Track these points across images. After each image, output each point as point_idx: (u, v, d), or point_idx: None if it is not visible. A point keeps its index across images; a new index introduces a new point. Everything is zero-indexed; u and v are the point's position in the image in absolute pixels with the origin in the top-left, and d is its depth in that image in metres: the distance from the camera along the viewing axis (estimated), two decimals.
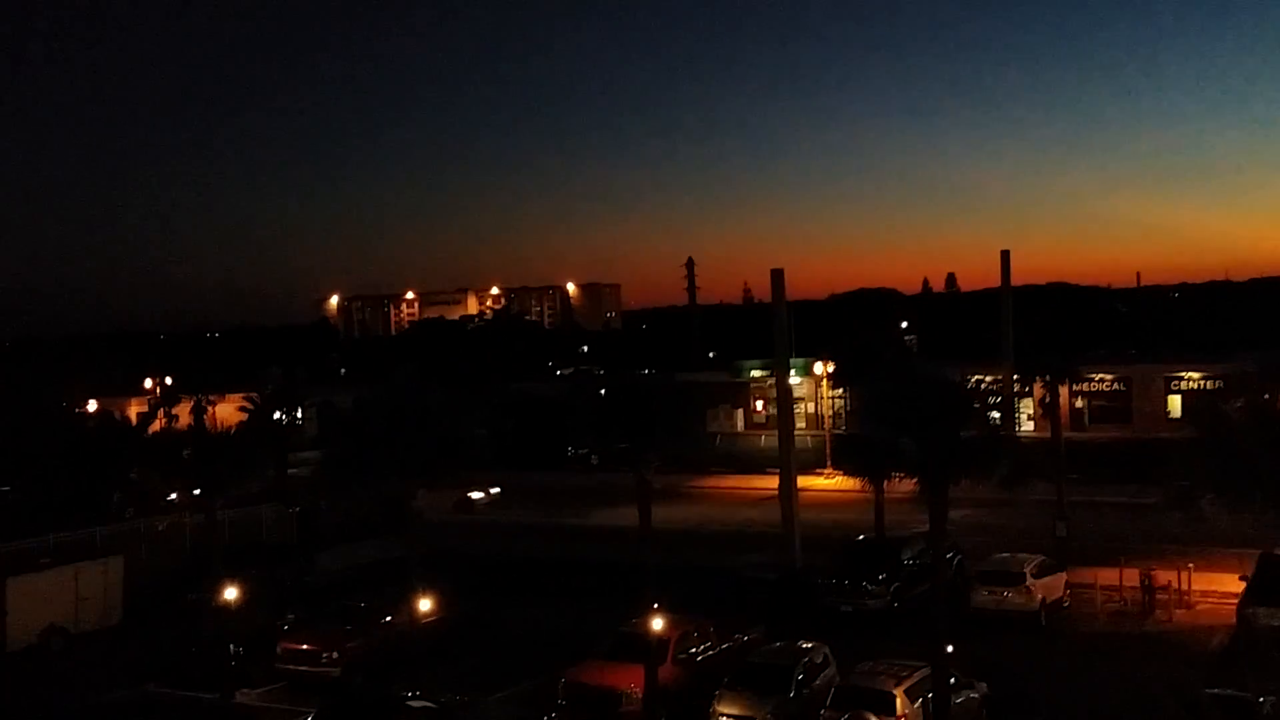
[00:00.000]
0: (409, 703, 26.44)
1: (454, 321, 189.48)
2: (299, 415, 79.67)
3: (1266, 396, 35.96)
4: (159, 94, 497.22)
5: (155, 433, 67.03)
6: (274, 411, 69.52)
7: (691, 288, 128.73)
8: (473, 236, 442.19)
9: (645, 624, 26.75)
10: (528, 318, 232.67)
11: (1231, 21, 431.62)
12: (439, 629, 32.96)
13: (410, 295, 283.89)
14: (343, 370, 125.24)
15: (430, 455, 29.32)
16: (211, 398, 78.90)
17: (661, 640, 27.40)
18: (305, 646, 32.03)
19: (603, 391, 35.56)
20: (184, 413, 76.70)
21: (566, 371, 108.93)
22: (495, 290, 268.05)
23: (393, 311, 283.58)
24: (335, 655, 31.48)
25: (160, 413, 77.97)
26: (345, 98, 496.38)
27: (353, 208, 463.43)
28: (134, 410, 79.09)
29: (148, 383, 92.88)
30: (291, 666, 31.90)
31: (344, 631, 32.42)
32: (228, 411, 62.76)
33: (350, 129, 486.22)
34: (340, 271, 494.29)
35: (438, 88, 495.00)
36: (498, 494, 61.23)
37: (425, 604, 30.43)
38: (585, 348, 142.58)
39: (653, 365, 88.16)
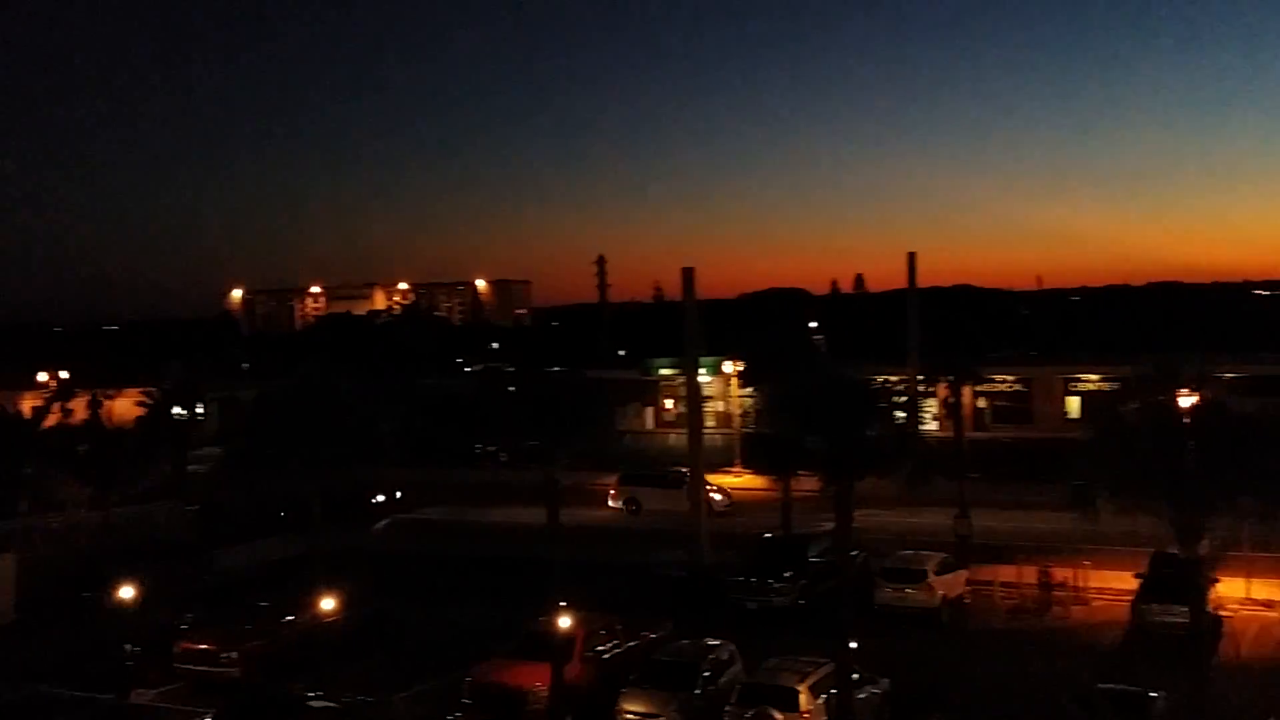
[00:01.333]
0: (310, 703, 26.02)
1: (361, 317, 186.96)
2: (199, 411, 77.96)
3: (1161, 398, 36.90)
4: (55, 76, 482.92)
5: (50, 428, 64.99)
6: (173, 407, 67.88)
7: (602, 285, 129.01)
8: (382, 231, 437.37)
9: (552, 622, 26.64)
10: (437, 314, 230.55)
11: (1133, 27, 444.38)
12: (343, 628, 32.49)
13: (316, 289, 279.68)
14: (245, 365, 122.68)
15: (336, 451, 28.92)
16: (109, 392, 76.71)
17: (568, 638, 27.32)
18: (204, 646, 31.30)
19: (512, 389, 35.39)
20: (80, 408, 74.48)
21: (476, 368, 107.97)
22: (404, 286, 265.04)
23: (297, 306, 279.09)
24: (235, 655, 30.78)
25: (55, 407, 75.61)
26: (249, 88, 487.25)
27: (257, 200, 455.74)
28: (28, 404, 76.57)
29: (42, 376, 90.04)
30: (190, 666, 31.15)
31: (244, 631, 31.72)
32: (125, 407, 60.98)
33: (255, 119, 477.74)
34: (244, 264, 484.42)
35: (344, 80, 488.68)
36: (400, 497, 60.18)
37: (329, 602, 29.97)
38: (495, 344, 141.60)
39: (563, 363, 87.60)
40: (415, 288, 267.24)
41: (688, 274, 43.82)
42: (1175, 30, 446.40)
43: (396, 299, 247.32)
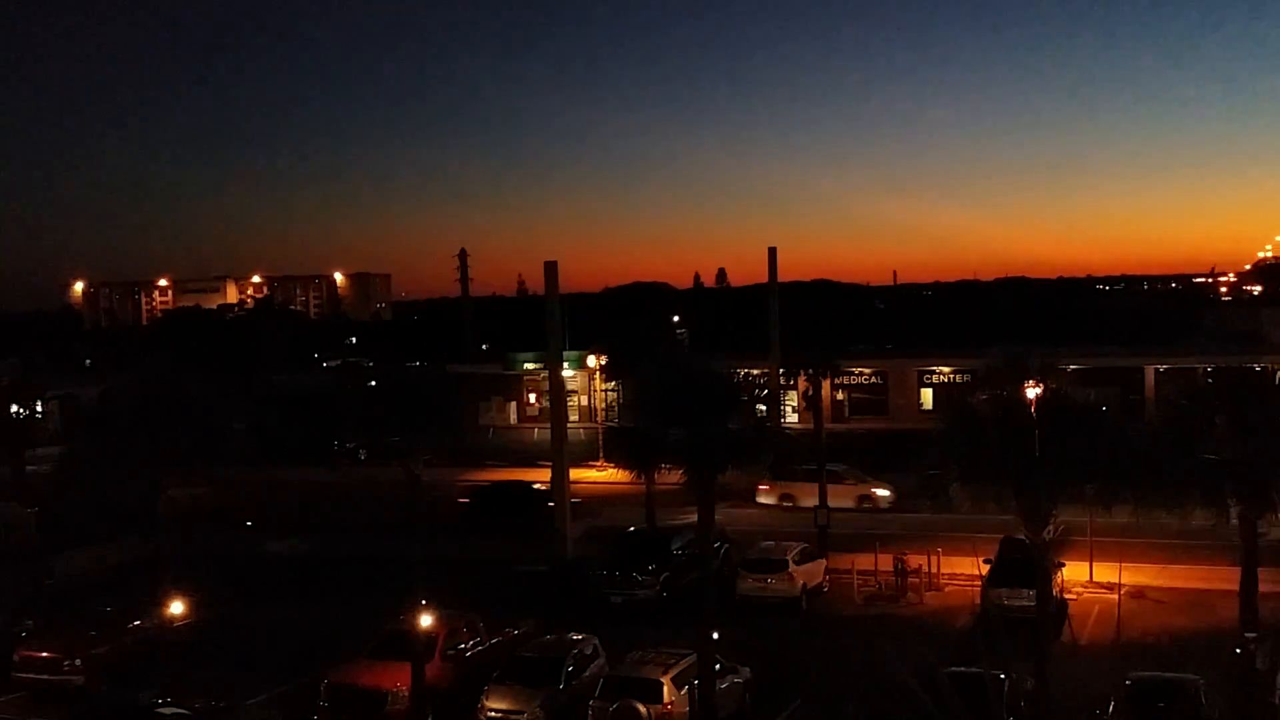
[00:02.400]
0: (159, 710, 25.14)
1: (211, 310, 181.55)
2: (39, 409, 74.80)
3: (1009, 389, 38.11)
4: None
5: None
6: (10, 405, 64.91)
7: (464, 279, 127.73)
8: (233, 223, 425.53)
9: (412, 620, 26.22)
10: (292, 308, 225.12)
11: (982, 26, 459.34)
12: (193, 632, 31.43)
13: (164, 282, 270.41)
14: (88, 361, 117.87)
15: (185, 449, 27.96)
16: None
17: (429, 637, 26.92)
18: (45, 654, 29.94)
19: (372, 383, 34.71)
20: None
21: (333, 363, 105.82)
22: (257, 279, 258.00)
23: (144, 299, 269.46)
24: (78, 662, 29.52)
25: None
26: (93, 73, 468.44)
27: (102, 189, 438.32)
28: None
29: None
30: (30, 676, 29.80)
31: (88, 637, 30.45)
32: None
33: (99, 104, 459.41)
34: (87, 256, 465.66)
35: (194, 66, 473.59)
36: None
37: (178, 606, 28.94)
38: (353, 339, 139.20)
39: (424, 357, 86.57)
40: (269, 281, 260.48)
41: (550, 268, 43.62)
42: (1024, 30, 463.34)
43: (249, 292, 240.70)
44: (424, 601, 26.21)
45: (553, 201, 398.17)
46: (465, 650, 29.70)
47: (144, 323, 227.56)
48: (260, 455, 61.13)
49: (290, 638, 33.95)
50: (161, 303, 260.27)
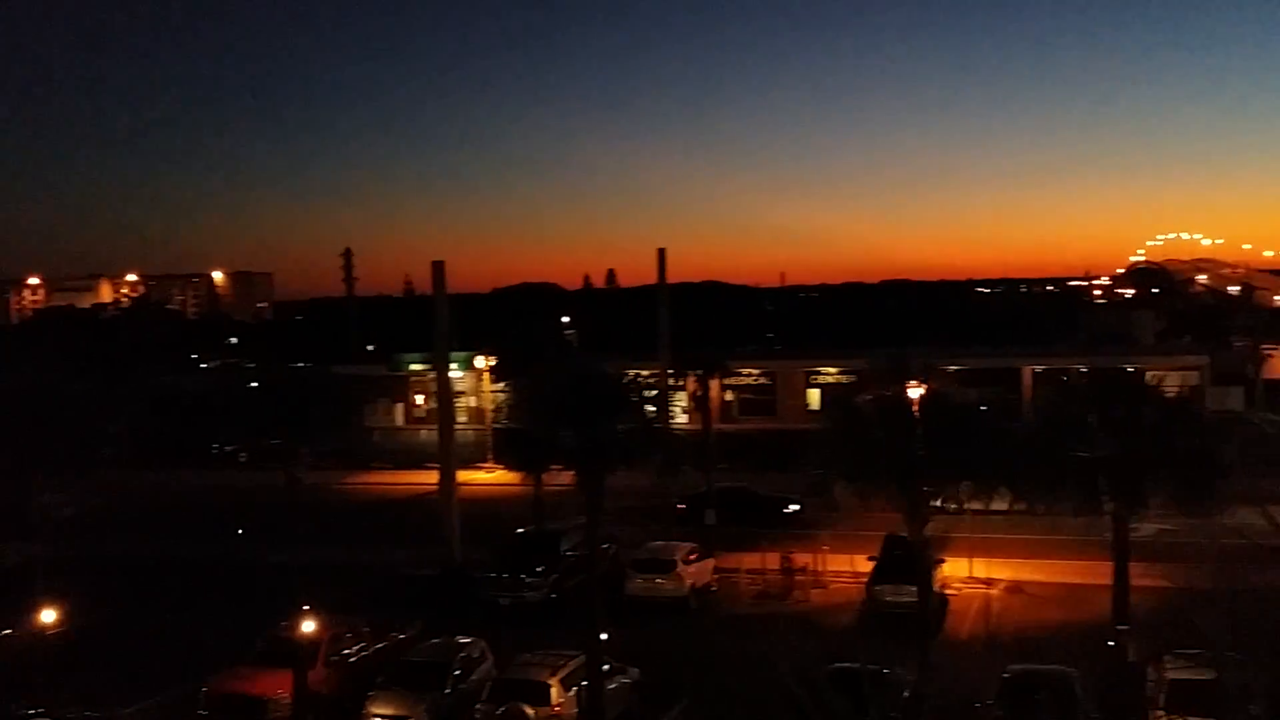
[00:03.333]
0: None
1: (85, 310, 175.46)
2: None
3: (892, 390, 38.79)
4: None
5: None
6: None
7: (349, 278, 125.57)
8: (108, 220, 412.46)
9: (294, 626, 25.68)
10: (170, 307, 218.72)
11: (871, 35, 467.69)
12: (67, 640, 30.26)
13: (34, 281, 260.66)
14: None
15: (58, 452, 27.02)
16: None
17: (312, 642, 26.38)
18: None
19: (252, 385, 33.95)
20: None
21: (214, 365, 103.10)
22: (133, 277, 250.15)
23: (14, 299, 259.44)
24: None
25: None
26: None
27: None
28: None
29: None
30: None
31: None
32: None
33: None
34: None
35: (64, 59, 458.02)
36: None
37: (50, 614, 27.91)
38: (234, 339, 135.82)
39: (308, 358, 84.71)
40: (145, 279, 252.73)
41: (438, 267, 43.08)
42: (907, 38, 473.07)
43: (124, 291, 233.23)
44: (306, 607, 25.69)
45: (440, 201, 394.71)
46: (349, 655, 29.19)
47: (14, 323, 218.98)
48: (137, 459, 59.47)
49: (169, 645, 32.94)
50: (32, 302, 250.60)
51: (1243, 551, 31.58)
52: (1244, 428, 65.15)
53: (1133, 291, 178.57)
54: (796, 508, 46.69)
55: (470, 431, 67.00)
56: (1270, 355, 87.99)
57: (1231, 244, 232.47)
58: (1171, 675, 23.88)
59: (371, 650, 29.84)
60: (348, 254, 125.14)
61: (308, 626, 25.60)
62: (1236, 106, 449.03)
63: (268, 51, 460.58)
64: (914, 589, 28.49)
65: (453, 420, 44.52)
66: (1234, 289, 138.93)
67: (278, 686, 26.20)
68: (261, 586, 35.89)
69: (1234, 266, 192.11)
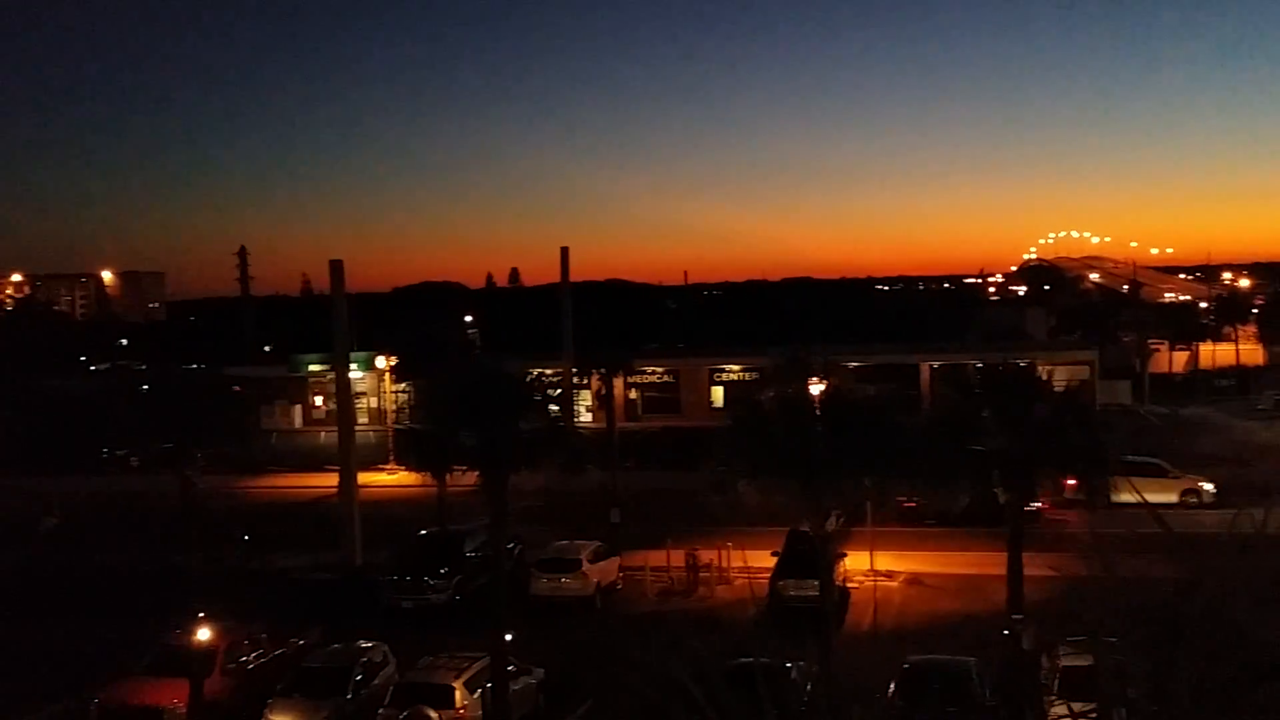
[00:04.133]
0: None
1: None
2: None
3: (793, 387, 39.22)
4: None
5: None
6: None
7: (244, 278, 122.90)
8: None
9: (189, 634, 25.03)
10: (56, 308, 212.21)
11: (776, 34, 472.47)
12: None
13: None
14: None
15: None
16: None
17: (207, 650, 25.75)
18: None
19: (144, 388, 33.04)
20: None
21: (103, 367, 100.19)
22: (17, 277, 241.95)
23: None
24: None
25: None
26: None
27: None
28: None
29: None
30: None
31: None
32: None
33: None
34: None
35: None
36: None
37: None
38: (125, 341, 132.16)
39: (202, 360, 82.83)
40: (30, 279, 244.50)
41: (336, 266, 42.41)
42: (811, 39, 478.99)
43: (9, 292, 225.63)
44: (202, 614, 25.09)
45: (340, 199, 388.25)
46: (247, 663, 28.66)
47: None
48: (23, 464, 57.49)
49: (59, 656, 31.88)
50: None
51: (1126, 541, 32.54)
52: (1131, 420, 67.34)
53: (1025, 289, 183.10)
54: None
55: (371, 433, 66.11)
56: (1156, 350, 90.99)
57: (1119, 242, 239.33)
58: (1064, 662, 24.47)
59: (270, 657, 29.29)
60: (242, 252, 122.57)
61: (203, 634, 24.98)
62: (1123, 107, 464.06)
63: (158, 48, 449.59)
64: (816, 583, 28.80)
65: (353, 421, 43.92)
66: (1125, 287, 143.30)
67: (173, 696, 25.59)
68: (157, 593, 34.94)
69: (1120, 264, 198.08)
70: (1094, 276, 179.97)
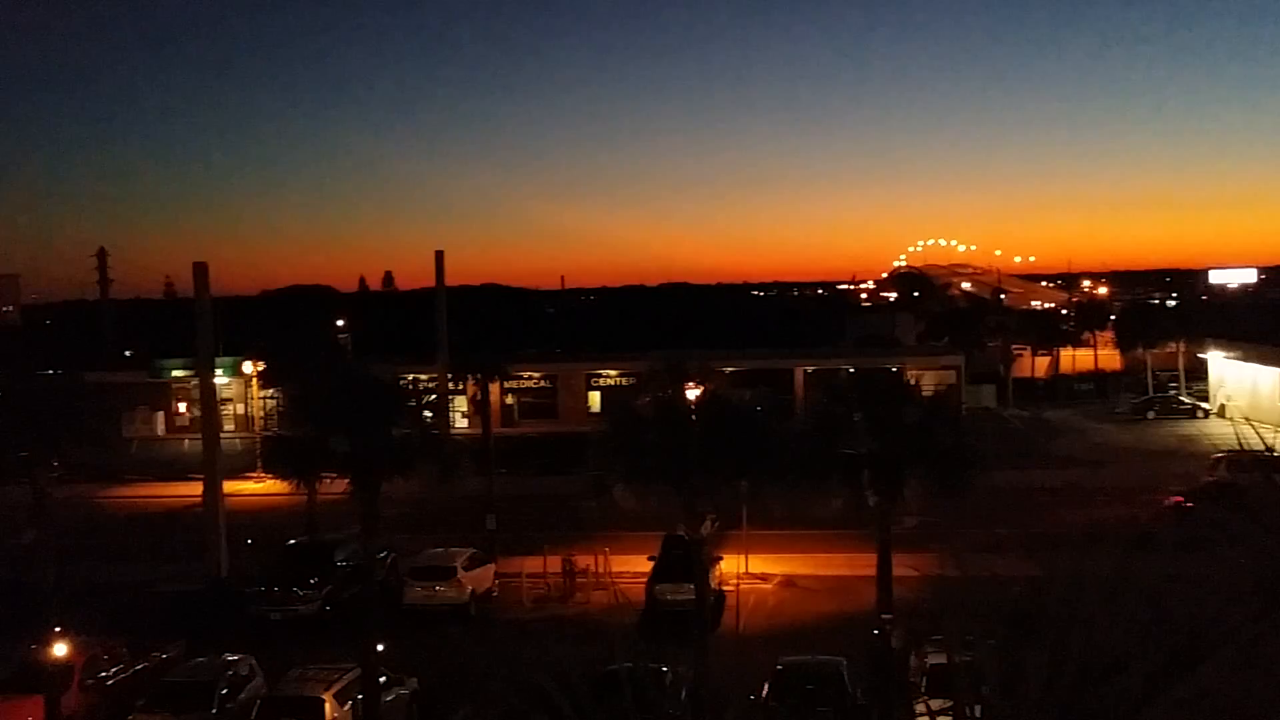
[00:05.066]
0: None
1: None
2: None
3: (670, 391, 39.44)
4: None
5: None
6: None
7: (104, 280, 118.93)
8: None
9: (45, 649, 24.01)
10: None
11: (650, 38, 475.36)
12: None
13: None
14: None
15: None
16: None
17: (64, 666, 24.74)
18: None
19: None
20: None
21: None
22: None
23: None
24: None
25: None
26: None
27: None
28: None
29: None
30: None
31: None
32: None
33: None
34: None
35: None
36: None
37: None
38: None
39: (58, 365, 79.79)
40: None
41: (200, 268, 41.24)
42: (686, 44, 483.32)
43: None
44: (58, 628, 24.10)
45: (205, 200, 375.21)
46: (106, 678, 27.73)
47: None
48: None
49: None
50: None
51: (987, 541, 33.59)
52: (996, 423, 69.46)
53: (896, 295, 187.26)
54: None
55: (238, 440, 64.55)
56: (1020, 355, 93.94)
57: (984, 250, 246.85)
58: (931, 660, 25.03)
59: (131, 672, 28.36)
60: (102, 254, 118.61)
61: (59, 649, 23.97)
62: (989, 119, 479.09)
63: (16, 45, 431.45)
64: (692, 587, 28.96)
65: (218, 428, 42.81)
66: (990, 294, 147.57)
67: (27, 714, 24.57)
68: (6, 608, 33.45)
69: (985, 271, 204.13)
70: (969, 286, 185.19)
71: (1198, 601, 3.79)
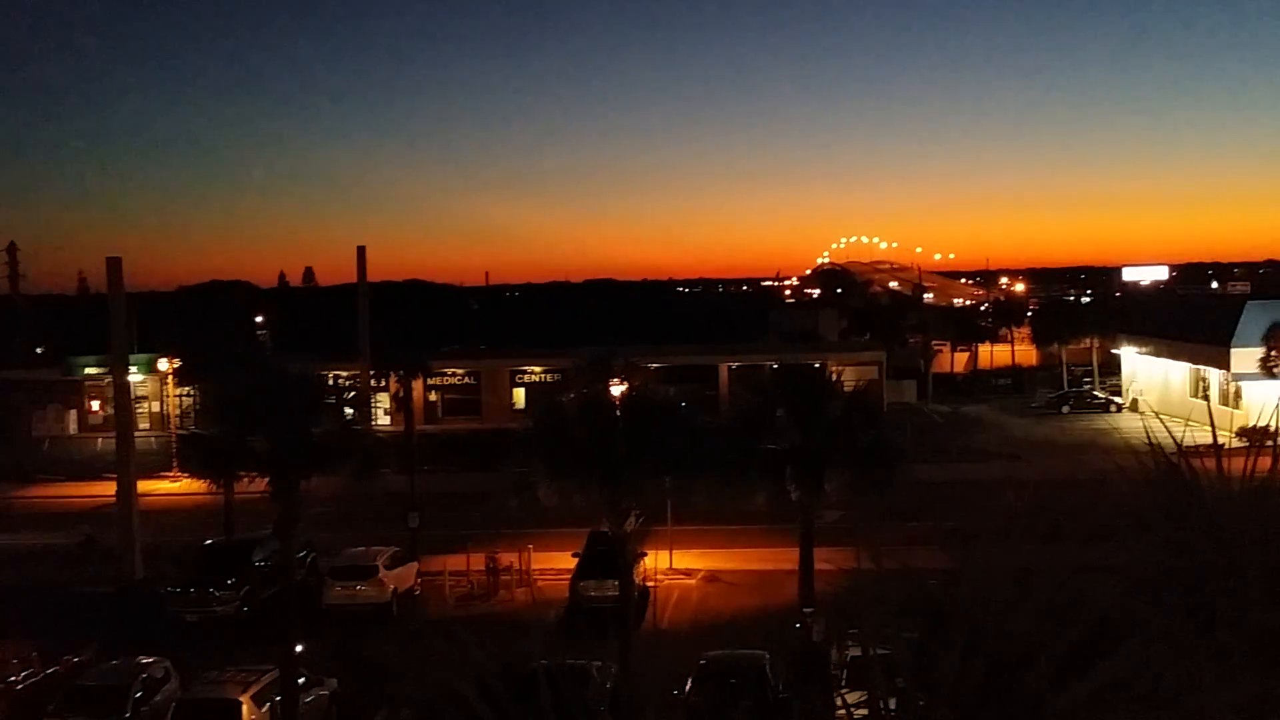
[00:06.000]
0: None
1: None
2: None
3: (595, 388, 39.44)
4: None
5: None
6: None
7: (13, 275, 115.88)
8: None
9: None
10: None
11: (582, 32, 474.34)
12: None
13: None
14: None
15: None
16: None
17: None
18: None
19: None
20: None
21: None
22: None
23: None
24: None
25: None
26: None
27: None
28: None
29: None
30: None
31: None
32: None
33: None
34: None
35: None
36: None
37: None
38: None
39: None
40: None
41: (114, 263, 40.40)
42: (618, 40, 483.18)
43: None
44: None
45: (120, 194, 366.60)
46: (16, 683, 27.01)
47: None
48: None
49: None
50: None
51: (905, 534, 33.97)
52: (916, 418, 70.40)
53: (819, 291, 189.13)
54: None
55: (153, 439, 63.26)
56: (939, 351, 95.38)
57: (905, 247, 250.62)
58: (852, 653, 25.28)
59: (41, 676, 27.63)
60: (12, 248, 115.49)
61: None
62: (908, 118, 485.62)
63: None
64: (617, 583, 28.96)
65: (132, 427, 42.00)
66: (911, 291, 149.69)
67: None
68: None
69: (906, 268, 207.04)
70: (896, 285, 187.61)
71: (1107, 591, 3.83)
